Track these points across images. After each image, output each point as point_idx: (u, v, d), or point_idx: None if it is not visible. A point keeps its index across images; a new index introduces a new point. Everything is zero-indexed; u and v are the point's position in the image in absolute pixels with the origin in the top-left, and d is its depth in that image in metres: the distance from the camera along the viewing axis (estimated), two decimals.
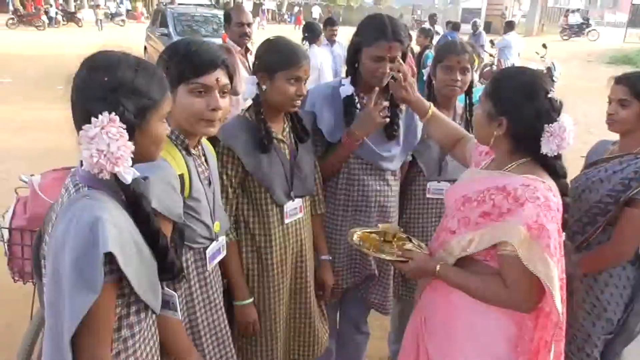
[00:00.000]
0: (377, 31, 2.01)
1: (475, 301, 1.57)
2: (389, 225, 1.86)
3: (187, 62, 1.49)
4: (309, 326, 2.14)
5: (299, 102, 1.90)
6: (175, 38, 9.97)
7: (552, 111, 1.50)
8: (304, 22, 7.92)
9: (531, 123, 1.50)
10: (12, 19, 22.15)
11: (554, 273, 1.42)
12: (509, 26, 11.07)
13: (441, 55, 2.36)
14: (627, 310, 2.12)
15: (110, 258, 1.07)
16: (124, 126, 1.11)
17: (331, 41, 6.76)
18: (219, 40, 4.02)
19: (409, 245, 1.80)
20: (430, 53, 6.74)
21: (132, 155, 1.13)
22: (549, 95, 1.52)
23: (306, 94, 2.30)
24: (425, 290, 1.75)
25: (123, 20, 25.06)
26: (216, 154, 1.83)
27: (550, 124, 1.49)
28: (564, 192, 1.57)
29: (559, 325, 1.53)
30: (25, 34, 19.96)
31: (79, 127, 1.12)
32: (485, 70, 10.48)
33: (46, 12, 23.26)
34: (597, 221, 2.06)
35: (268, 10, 30.01)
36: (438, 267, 1.62)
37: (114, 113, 1.10)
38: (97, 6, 23.92)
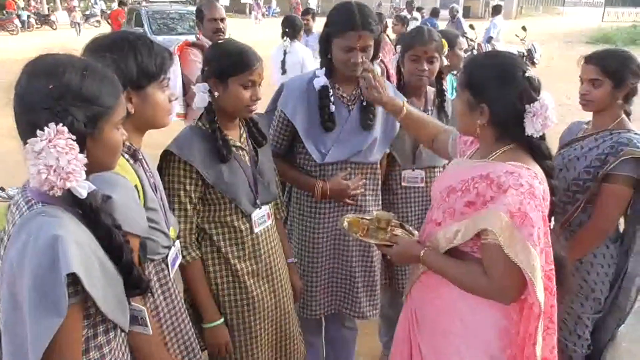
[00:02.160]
0: (345, 21, 1.96)
1: (464, 295, 1.54)
2: (383, 212, 1.83)
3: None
4: (290, 337, 2.07)
5: (255, 107, 1.82)
6: (151, 37, 9.82)
7: (531, 90, 1.46)
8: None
9: (512, 105, 1.46)
10: None
11: (536, 262, 1.39)
12: (496, 10, 11.04)
13: (408, 45, 2.33)
14: (613, 289, 2.14)
15: (73, 278, 0.99)
16: (74, 137, 1.02)
17: (307, 31, 6.72)
18: (192, 38, 3.88)
19: (398, 232, 1.79)
20: None
21: (85, 168, 1.04)
22: (527, 74, 1.47)
23: (281, 87, 2.24)
24: (415, 285, 1.72)
25: (98, 21, 24.47)
26: (170, 168, 1.74)
27: (532, 104, 1.45)
28: (550, 175, 1.54)
29: (549, 316, 1.51)
30: None
31: (25, 140, 1.03)
32: (466, 55, 10.44)
33: (18, 16, 22.75)
34: (577, 199, 2.07)
35: (245, 3, 29.45)
36: (422, 252, 1.59)
37: (61, 124, 1.01)
38: (73, 7, 23.27)
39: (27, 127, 1.03)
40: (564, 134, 2.33)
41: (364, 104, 2.13)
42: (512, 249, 1.39)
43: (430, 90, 2.44)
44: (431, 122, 2.02)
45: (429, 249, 1.60)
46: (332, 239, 2.22)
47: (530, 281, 1.40)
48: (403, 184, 2.37)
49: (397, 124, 2.24)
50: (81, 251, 1.02)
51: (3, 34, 21.06)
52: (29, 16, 23.67)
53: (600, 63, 2.04)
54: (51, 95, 1.03)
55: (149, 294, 1.48)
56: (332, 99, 2.09)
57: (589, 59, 2.09)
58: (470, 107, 1.52)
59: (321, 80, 2.09)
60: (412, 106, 2.35)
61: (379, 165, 2.27)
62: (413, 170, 2.36)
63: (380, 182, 2.29)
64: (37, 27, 23.70)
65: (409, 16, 10.26)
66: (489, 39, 10.20)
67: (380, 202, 2.29)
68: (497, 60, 1.56)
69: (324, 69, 2.11)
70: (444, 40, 2.41)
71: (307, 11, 7.10)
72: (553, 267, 1.52)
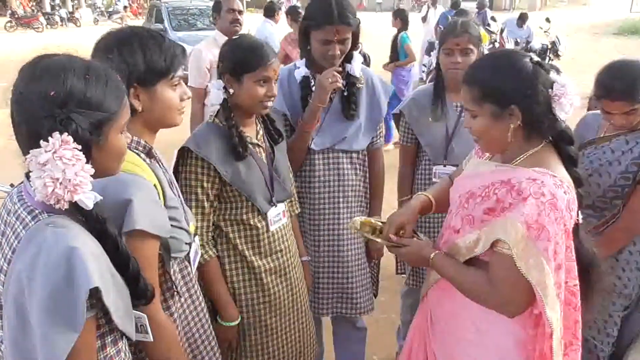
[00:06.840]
0: (323, 14, 1.96)
1: None
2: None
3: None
4: (306, 334, 2.06)
5: (270, 104, 1.80)
6: (172, 33, 9.90)
7: (547, 73, 1.41)
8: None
9: (539, 93, 1.38)
10: (10, 21, 21.90)
11: (548, 279, 1.31)
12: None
13: (442, 38, 2.29)
14: None
15: (91, 292, 0.97)
16: (79, 147, 0.98)
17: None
18: (213, 34, 3.90)
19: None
20: (405, 35, 6.61)
21: (91, 179, 1.00)
22: (535, 59, 1.42)
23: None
24: (432, 288, 1.66)
25: (121, 18, 24.74)
26: (187, 165, 1.72)
27: (553, 87, 1.39)
28: (577, 184, 1.46)
29: (572, 332, 1.45)
30: (24, 36, 19.86)
31: (24, 148, 1.00)
32: (489, 48, 10.24)
33: (47, 14, 23.08)
34: (616, 205, 2.02)
35: None
36: (432, 255, 1.53)
37: (66, 133, 0.96)
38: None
39: (28, 136, 0.99)
40: (579, 126, 2.24)
41: (345, 93, 2.13)
42: (525, 262, 1.31)
43: None
44: (449, 182, 1.83)
45: (440, 252, 1.54)
46: (331, 240, 2.22)
47: (540, 299, 1.33)
48: (434, 179, 2.31)
49: (384, 108, 2.25)
50: (97, 263, 0.99)
51: (29, 31, 21.46)
52: (53, 13, 24.06)
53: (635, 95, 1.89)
54: (53, 102, 0.98)
55: (176, 294, 1.47)
56: (313, 89, 2.09)
57: (615, 96, 1.92)
58: (496, 117, 1.42)
59: (302, 71, 2.12)
60: (451, 103, 2.32)
61: (365, 153, 2.26)
62: (444, 166, 2.29)
63: (367, 169, 2.27)
64: (61, 25, 24.10)
65: (431, 9, 10.06)
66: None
67: (368, 188, 2.29)
68: (503, 58, 1.47)
69: (304, 60, 2.13)
70: (483, 33, 2.35)
71: (295, 10, 6.91)
72: (577, 282, 1.44)
